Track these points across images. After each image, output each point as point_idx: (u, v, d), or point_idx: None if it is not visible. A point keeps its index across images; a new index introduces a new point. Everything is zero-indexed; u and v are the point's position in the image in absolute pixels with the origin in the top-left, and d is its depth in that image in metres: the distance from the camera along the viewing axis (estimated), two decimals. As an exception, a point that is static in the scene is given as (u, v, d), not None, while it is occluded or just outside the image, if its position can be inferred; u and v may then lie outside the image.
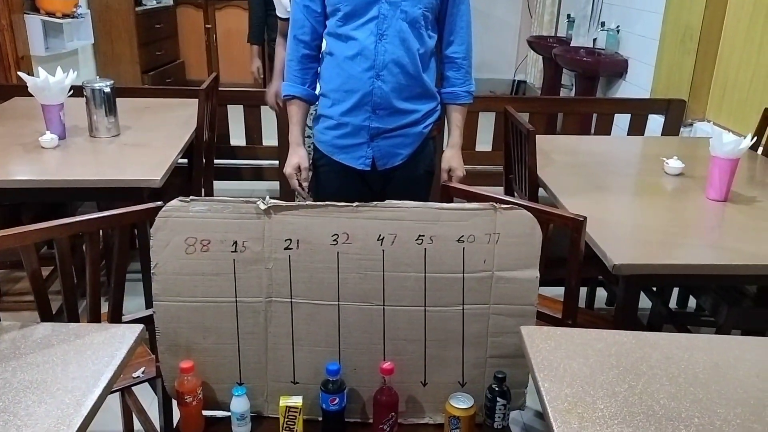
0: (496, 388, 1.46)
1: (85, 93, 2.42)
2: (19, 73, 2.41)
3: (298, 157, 1.97)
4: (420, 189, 2.02)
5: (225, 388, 1.48)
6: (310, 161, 2.02)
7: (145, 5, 5.63)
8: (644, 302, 2.58)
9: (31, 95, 2.38)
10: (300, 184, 1.99)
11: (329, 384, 1.42)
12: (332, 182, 2.00)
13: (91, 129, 2.45)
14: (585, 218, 1.50)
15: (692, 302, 2.76)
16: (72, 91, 2.44)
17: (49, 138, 2.30)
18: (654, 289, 2.65)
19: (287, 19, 2.60)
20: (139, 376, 1.67)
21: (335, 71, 1.88)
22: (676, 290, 2.77)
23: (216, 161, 3.28)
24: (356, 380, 1.49)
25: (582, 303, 2.67)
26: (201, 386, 1.45)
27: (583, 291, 2.84)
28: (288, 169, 1.98)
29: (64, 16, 4.38)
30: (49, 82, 2.32)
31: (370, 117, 1.87)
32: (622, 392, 1.12)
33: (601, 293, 2.88)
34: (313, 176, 2.03)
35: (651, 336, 1.31)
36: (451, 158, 2.00)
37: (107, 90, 2.42)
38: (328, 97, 1.92)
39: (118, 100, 2.49)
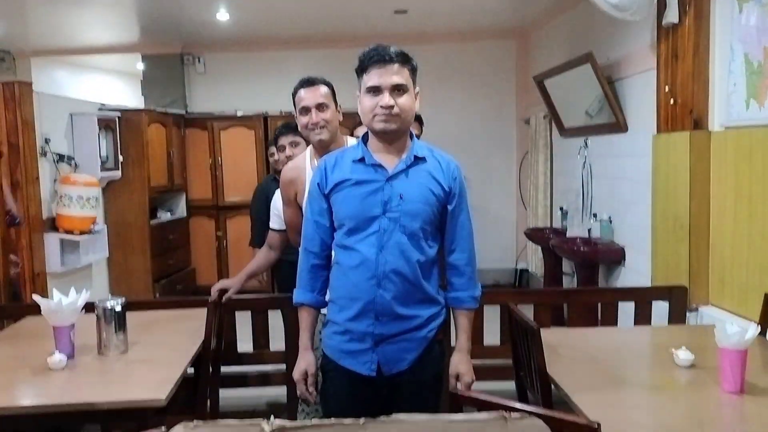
0: None
1: (96, 312, 2.47)
2: (34, 296, 2.49)
3: (305, 363, 2.02)
4: (428, 394, 2.00)
5: None
6: (318, 366, 2.03)
7: (160, 218, 5.94)
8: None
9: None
10: (307, 389, 2.01)
11: None
12: (339, 388, 2.00)
13: (100, 347, 2.47)
14: (599, 425, 1.46)
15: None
16: (84, 309, 2.50)
17: (57, 359, 2.31)
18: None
19: (278, 231, 2.77)
20: None
21: (341, 280, 1.97)
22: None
23: (222, 369, 3.25)
24: None
25: None
26: None
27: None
28: (296, 374, 2.03)
29: (82, 233, 4.61)
30: (62, 305, 2.38)
31: (373, 323, 1.92)
32: None
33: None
34: (321, 381, 2.04)
35: None
36: (459, 363, 2.01)
37: (118, 309, 2.48)
38: (335, 304, 2.00)
39: (128, 313, 2.54)
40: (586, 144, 4.94)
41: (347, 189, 1.95)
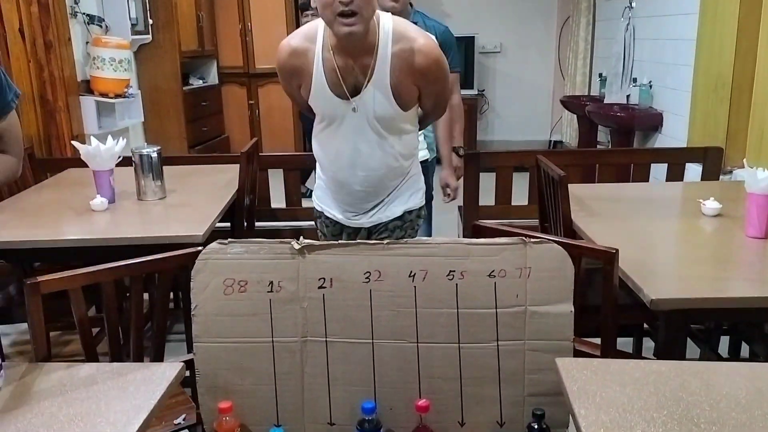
0: (535, 426, 1.43)
1: (133, 159, 2.55)
2: (73, 142, 2.56)
3: None
4: None
5: (263, 429, 1.49)
6: None
7: (192, 84, 5.94)
8: (693, 352, 2.50)
9: (84, 166, 2.53)
10: None
11: (365, 423, 1.42)
12: None
13: (139, 192, 2.57)
14: (617, 250, 1.49)
15: (744, 352, 2.65)
16: (121, 159, 2.58)
17: (99, 201, 2.42)
18: (701, 337, 2.57)
19: None
20: (180, 423, 1.69)
21: None
22: (726, 339, 2.67)
23: (257, 223, 3.37)
24: (392, 419, 1.48)
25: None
26: (239, 428, 1.46)
27: (629, 342, 2.76)
28: None
29: (116, 96, 4.66)
30: (100, 149, 2.46)
31: None
32: (660, 418, 1.10)
33: (649, 344, 2.80)
34: None
35: (691, 365, 1.28)
36: None
37: (154, 155, 2.55)
38: None
39: (164, 167, 2.62)
40: (631, 4, 4.69)
41: None
